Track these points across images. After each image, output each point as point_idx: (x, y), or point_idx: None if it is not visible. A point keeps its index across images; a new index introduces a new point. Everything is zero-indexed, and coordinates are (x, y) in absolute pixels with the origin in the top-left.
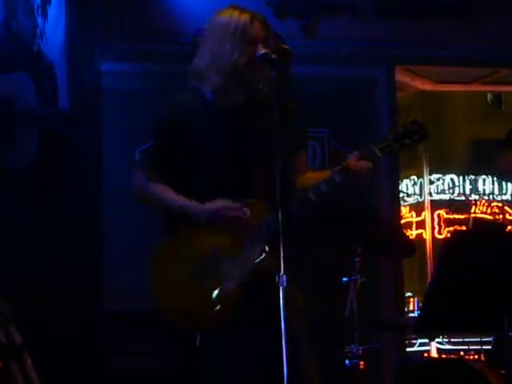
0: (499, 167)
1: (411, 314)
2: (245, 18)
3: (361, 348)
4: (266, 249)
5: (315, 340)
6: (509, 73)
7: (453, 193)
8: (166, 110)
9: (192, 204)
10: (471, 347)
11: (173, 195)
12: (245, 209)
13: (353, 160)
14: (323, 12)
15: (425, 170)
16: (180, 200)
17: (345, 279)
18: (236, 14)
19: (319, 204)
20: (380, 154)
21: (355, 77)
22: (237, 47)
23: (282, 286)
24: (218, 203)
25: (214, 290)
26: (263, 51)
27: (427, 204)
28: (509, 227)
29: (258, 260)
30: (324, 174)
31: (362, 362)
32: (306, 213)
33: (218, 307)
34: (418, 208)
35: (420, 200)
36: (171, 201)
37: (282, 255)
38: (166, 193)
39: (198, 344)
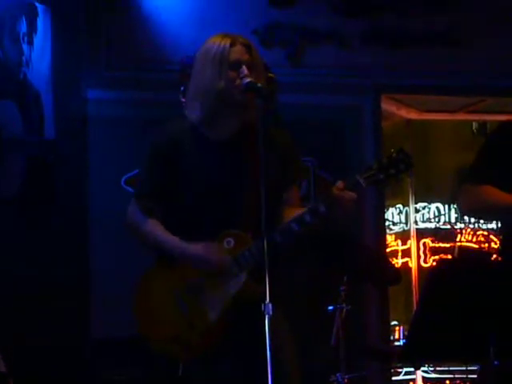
0: (459, 205)
1: (397, 343)
2: (225, 41)
3: (346, 376)
4: (247, 278)
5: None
6: (494, 102)
7: (438, 221)
8: (161, 136)
9: (175, 245)
10: (457, 376)
11: (161, 233)
12: (229, 239)
13: (337, 190)
14: (309, 40)
15: (410, 199)
16: (166, 239)
17: (330, 308)
18: (218, 39)
19: (302, 235)
20: (364, 185)
21: (341, 105)
22: (217, 71)
23: (268, 314)
24: (200, 250)
25: (198, 316)
26: (248, 80)
27: (413, 232)
28: (494, 256)
29: (241, 289)
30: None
31: None
32: (291, 242)
33: (203, 335)
34: (403, 236)
35: (406, 228)
36: (159, 238)
37: (267, 284)
38: (155, 231)
39: (180, 373)
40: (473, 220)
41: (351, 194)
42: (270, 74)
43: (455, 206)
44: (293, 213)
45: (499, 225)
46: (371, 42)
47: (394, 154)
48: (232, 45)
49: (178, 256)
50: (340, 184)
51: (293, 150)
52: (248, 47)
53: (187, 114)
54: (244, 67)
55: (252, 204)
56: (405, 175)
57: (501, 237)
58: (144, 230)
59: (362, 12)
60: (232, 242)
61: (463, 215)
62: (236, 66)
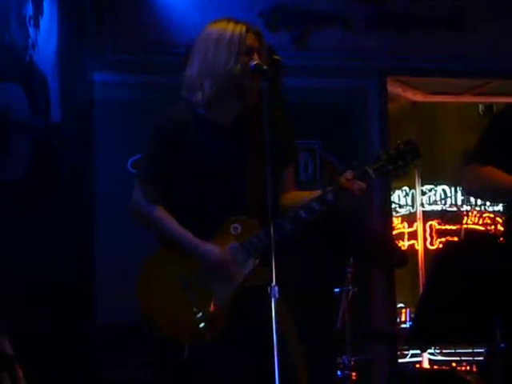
0: (463, 186)
1: (403, 325)
2: (240, 28)
3: (353, 359)
4: (257, 263)
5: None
6: (500, 84)
7: (445, 204)
8: (164, 120)
9: (187, 240)
10: (463, 358)
11: (171, 224)
12: (236, 225)
13: (346, 180)
14: (314, 24)
15: (417, 181)
16: (177, 232)
17: (337, 290)
18: (231, 24)
19: (310, 222)
20: (374, 176)
21: (347, 88)
22: (232, 56)
23: (275, 297)
24: (212, 253)
25: (204, 303)
26: (255, 62)
27: (419, 215)
28: (501, 238)
29: (249, 276)
30: (313, 194)
31: (353, 373)
32: (300, 229)
33: (207, 320)
34: (409, 219)
35: (412, 211)
36: (169, 229)
37: (273, 267)
38: (165, 220)
39: (185, 355)
40: (479, 202)
41: (361, 184)
42: (276, 57)
43: (461, 187)
44: (297, 196)
45: (502, 207)
46: (376, 25)
47: (402, 146)
48: (247, 32)
49: (189, 251)
50: (349, 174)
51: (292, 133)
52: (258, 35)
53: (186, 95)
54: (255, 54)
55: (256, 188)
56: (413, 165)
57: (504, 218)
58: (150, 216)
59: None
60: (239, 228)
61: (467, 195)
62: (249, 51)
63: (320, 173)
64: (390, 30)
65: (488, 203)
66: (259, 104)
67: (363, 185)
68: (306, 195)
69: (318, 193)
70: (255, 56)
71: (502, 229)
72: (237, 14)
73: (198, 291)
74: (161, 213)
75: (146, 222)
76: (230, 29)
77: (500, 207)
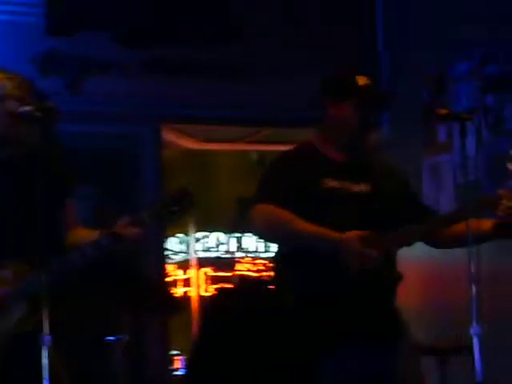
0: (254, 224)
1: (177, 372)
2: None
3: None
4: (26, 308)
5: None
6: (272, 132)
7: (218, 250)
8: None
9: None
10: None
11: None
12: (5, 271)
13: (122, 225)
14: (88, 69)
15: (191, 228)
16: None
17: (110, 338)
18: None
19: (83, 266)
20: (148, 221)
21: (122, 134)
22: None
23: (46, 345)
24: None
25: None
26: (25, 108)
27: (193, 261)
28: (270, 285)
29: (18, 320)
30: (93, 234)
31: None
32: (71, 274)
33: None
34: (184, 266)
35: (187, 257)
36: None
37: (45, 315)
38: None
39: None
40: (252, 249)
41: (135, 231)
42: (49, 103)
43: (236, 234)
44: (79, 235)
45: (275, 252)
46: (152, 72)
47: (177, 192)
48: (11, 79)
49: None
50: (125, 219)
51: (70, 173)
52: (21, 83)
53: None
54: (22, 100)
55: (30, 230)
56: (187, 212)
57: (273, 264)
58: None
59: (143, 42)
60: (8, 274)
61: (256, 234)
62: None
63: (96, 219)
64: (165, 77)
65: (262, 250)
66: (33, 147)
67: (138, 231)
68: (87, 234)
69: (95, 234)
70: (12, 102)
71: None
72: (9, 59)
73: None
74: None
75: None
76: None
77: (273, 253)
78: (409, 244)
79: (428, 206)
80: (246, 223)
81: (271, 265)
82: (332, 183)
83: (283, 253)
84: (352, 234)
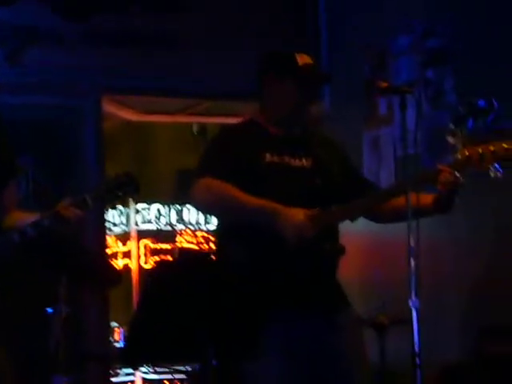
0: (195, 198)
1: (117, 344)
2: None
3: (65, 379)
4: None
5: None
6: (213, 104)
7: (159, 222)
8: None
9: None
10: (176, 376)
11: None
12: None
13: (64, 206)
14: (28, 40)
15: (131, 200)
16: None
17: (49, 310)
18: None
19: (23, 245)
20: (91, 204)
21: (62, 106)
22: None
23: None
24: None
25: None
26: None
27: (133, 234)
28: (212, 256)
29: None
30: (32, 216)
31: None
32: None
33: None
34: (124, 238)
35: (126, 230)
36: None
37: None
38: None
39: None
40: (193, 221)
41: (78, 211)
42: None
43: (177, 206)
44: (16, 218)
45: (216, 226)
46: (91, 43)
47: (122, 177)
48: None
49: None
50: (67, 200)
51: (10, 149)
52: None
53: None
54: None
55: None
56: (131, 197)
57: (215, 238)
58: None
59: (84, 12)
60: None
61: (198, 209)
62: None
63: (33, 195)
64: (105, 48)
65: (202, 222)
66: None
67: (80, 213)
68: (25, 217)
69: (35, 216)
70: None
71: (213, 247)
72: None
73: None
74: None
75: None
76: None
77: (213, 226)
78: (351, 219)
79: (369, 180)
80: (186, 195)
81: (213, 238)
82: (272, 158)
83: (225, 227)
84: (296, 210)
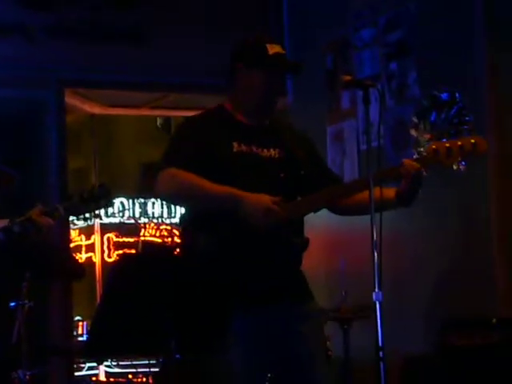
0: (159, 189)
1: (80, 338)
2: None
3: (28, 373)
4: None
5: None
6: (177, 97)
7: (122, 216)
8: None
9: None
10: (139, 370)
11: None
12: None
13: (36, 213)
14: None
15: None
16: None
17: (12, 304)
18: None
19: None
20: (63, 213)
21: (24, 99)
22: None
23: None
24: None
25: None
26: None
27: (97, 227)
28: (176, 250)
29: None
30: (1, 222)
31: None
32: None
33: None
34: (87, 231)
35: (90, 223)
36: None
37: None
38: None
39: None
40: (156, 214)
41: (49, 220)
42: None
43: (141, 199)
44: None
45: (179, 219)
46: (56, 36)
47: (96, 190)
48: None
49: None
50: (39, 207)
51: None
52: None
53: None
54: None
55: None
56: (103, 208)
57: (180, 231)
58: None
59: (47, 5)
60: None
61: (162, 199)
62: None
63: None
64: (68, 41)
65: (165, 215)
66: None
67: (51, 221)
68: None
69: (5, 222)
70: None
71: (178, 240)
72: None
73: None
74: None
75: None
76: None
77: (177, 219)
78: (314, 211)
79: (334, 173)
80: (149, 188)
81: (179, 229)
82: (240, 147)
83: (191, 216)
84: (260, 195)
